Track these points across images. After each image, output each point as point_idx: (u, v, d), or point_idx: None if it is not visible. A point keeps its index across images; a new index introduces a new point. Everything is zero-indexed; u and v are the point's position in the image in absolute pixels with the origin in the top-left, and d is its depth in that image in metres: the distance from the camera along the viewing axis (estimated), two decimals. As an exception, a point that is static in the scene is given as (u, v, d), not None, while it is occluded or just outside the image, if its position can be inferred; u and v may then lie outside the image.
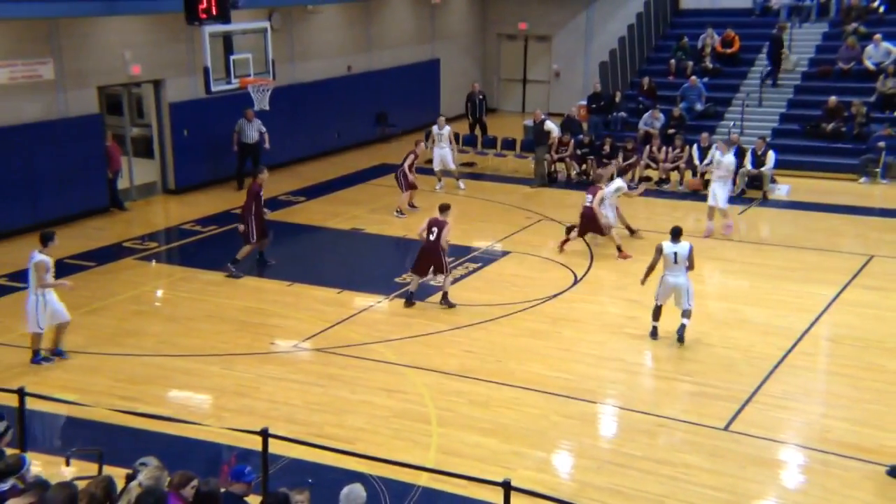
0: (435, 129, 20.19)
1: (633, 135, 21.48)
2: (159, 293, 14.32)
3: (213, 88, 15.12)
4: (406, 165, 17.96)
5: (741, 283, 14.53)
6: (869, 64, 22.25)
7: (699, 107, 22.61)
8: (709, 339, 12.14)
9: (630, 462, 9.21)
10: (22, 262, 14.82)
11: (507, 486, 7.17)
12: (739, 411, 10.25)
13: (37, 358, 11.39)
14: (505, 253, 15.96)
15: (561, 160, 21.03)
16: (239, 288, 14.19)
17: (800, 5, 24.97)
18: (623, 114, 23.01)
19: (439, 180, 20.11)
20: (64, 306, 11.42)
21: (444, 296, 13.29)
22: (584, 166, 20.91)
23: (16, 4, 14.60)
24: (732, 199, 17.49)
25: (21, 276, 14.33)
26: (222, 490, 6.77)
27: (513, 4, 29.02)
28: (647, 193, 18.81)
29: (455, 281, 13.82)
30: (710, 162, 17.59)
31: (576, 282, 14.43)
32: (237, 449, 8.93)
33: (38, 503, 6.28)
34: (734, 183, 17.82)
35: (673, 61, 24.26)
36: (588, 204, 15.48)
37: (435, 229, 13.27)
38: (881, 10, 24.04)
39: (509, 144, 22.42)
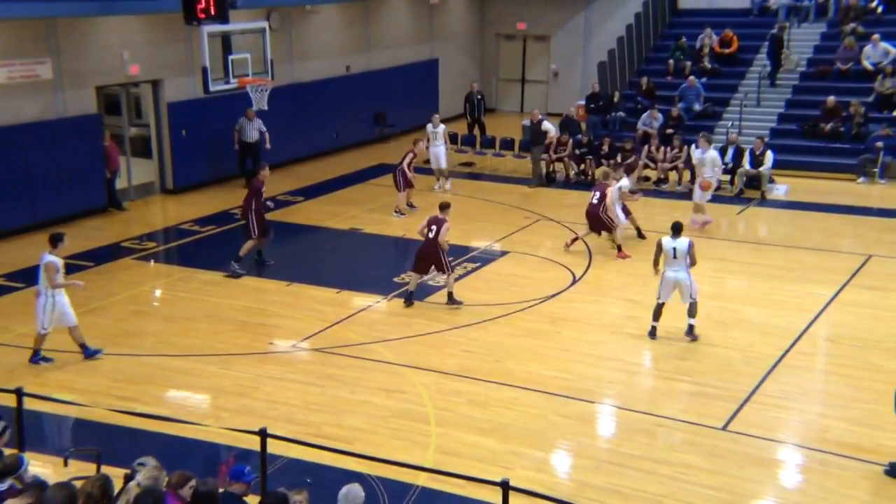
0: (429, 127, 20.22)
1: (632, 135, 21.49)
2: (158, 293, 14.32)
3: (212, 88, 15.14)
4: (405, 164, 17.98)
5: (739, 283, 14.54)
6: (867, 64, 22.26)
7: (697, 107, 22.62)
8: (707, 338, 12.14)
9: (628, 462, 9.22)
10: (19, 262, 14.94)
11: (505, 486, 7.18)
12: (738, 411, 10.25)
13: (35, 357, 11.38)
14: (503, 253, 15.96)
15: (559, 160, 21.03)
16: (237, 288, 14.18)
17: (798, 5, 24.99)
18: (621, 114, 23.03)
19: (437, 179, 20.13)
20: (73, 311, 11.38)
21: (450, 296, 13.25)
22: (582, 166, 20.93)
23: (14, 4, 14.59)
24: (731, 199, 17.53)
25: (19, 276, 14.42)
26: (221, 490, 6.77)
27: (511, 4, 29.02)
28: (645, 193, 18.88)
29: (455, 280, 13.79)
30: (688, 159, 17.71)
31: (574, 281, 14.43)
32: (236, 449, 8.94)
33: (36, 503, 6.28)
34: (722, 180, 17.87)
35: (671, 61, 24.27)
36: (594, 202, 15.46)
37: (434, 227, 13.27)
38: (879, 10, 24.06)
39: (508, 144, 22.42)
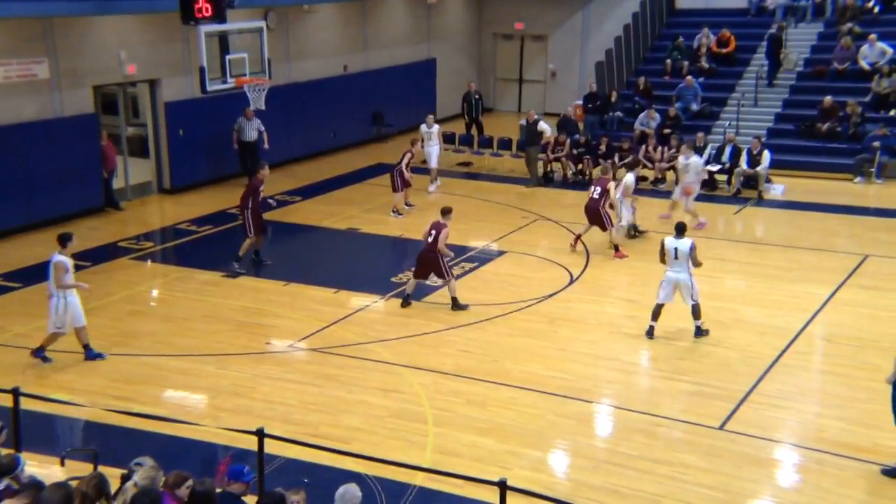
0: (423, 127, 20.24)
1: (630, 134, 21.49)
2: (155, 293, 14.30)
3: (209, 88, 15.14)
4: (403, 165, 17.98)
5: (737, 283, 14.54)
6: (864, 64, 22.28)
7: (695, 107, 22.63)
8: (705, 338, 12.13)
9: (626, 461, 9.22)
10: (16, 262, 14.95)
11: (503, 486, 7.17)
12: (735, 410, 10.26)
13: (40, 353, 11.33)
14: (501, 252, 15.96)
15: (557, 160, 21.04)
16: (235, 288, 14.17)
17: (795, 5, 25.01)
18: (619, 113, 23.02)
19: (436, 180, 20.15)
20: (83, 311, 11.36)
21: (454, 301, 13.15)
22: (580, 166, 20.94)
23: (10, 3, 14.55)
24: (728, 199, 17.52)
25: (16, 276, 14.44)
26: (219, 490, 6.77)
27: (509, 4, 29.01)
28: (642, 193, 18.85)
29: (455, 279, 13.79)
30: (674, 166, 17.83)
31: (572, 281, 14.43)
32: (233, 449, 8.94)
33: (33, 503, 6.26)
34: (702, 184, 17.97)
35: (669, 61, 24.28)
36: (595, 196, 15.44)
37: (433, 232, 13.27)
38: (876, 10, 24.08)
39: (506, 144, 22.42)
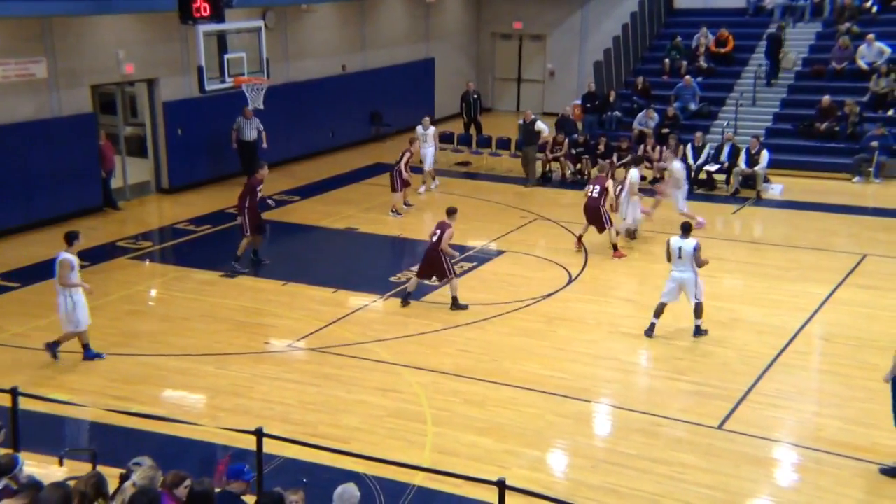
0: (419, 129, 20.24)
1: (628, 134, 21.50)
2: (153, 293, 14.29)
3: (207, 87, 15.13)
4: (402, 164, 17.98)
5: (735, 283, 14.54)
6: (862, 64, 22.29)
7: (693, 106, 22.64)
8: (704, 338, 12.14)
9: (625, 461, 9.22)
10: (14, 262, 14.96)
11: (501, 486, 7.17)
12: (734, 410, 10.26)
13: (53, 346, 11.33)
14: (500, 252, 15.96)
15: (555, 159, 21.04)
16: (233, 287, 14.17)
17: (793, 5, 25.02)
18: (617, 113, 23.03)
19: (434, 179, 20.13)
20: (88, 311, 11.35)
21: (454, 300, 13.16)
22: (578, 165, 20.95)
23: (9, 3, 14.54)
24: (726, 199, 17.49)
25: (14, 276, 14.43)
26: (218, 490, 6.77)
27: (507, 4, 29.01)
28: (641, 192, 18.79)
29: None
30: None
31: (570, 281, 14.43)
32: (232, 449, 8.93)
33: (31, 503, 6.26)
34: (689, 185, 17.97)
35: (667, 61, 24.29)
36: (595, 195, 15.42)
37: (438, 232, 13.29)
38: (874, 9, 24.08)
39: (504, 144, 22.42)
